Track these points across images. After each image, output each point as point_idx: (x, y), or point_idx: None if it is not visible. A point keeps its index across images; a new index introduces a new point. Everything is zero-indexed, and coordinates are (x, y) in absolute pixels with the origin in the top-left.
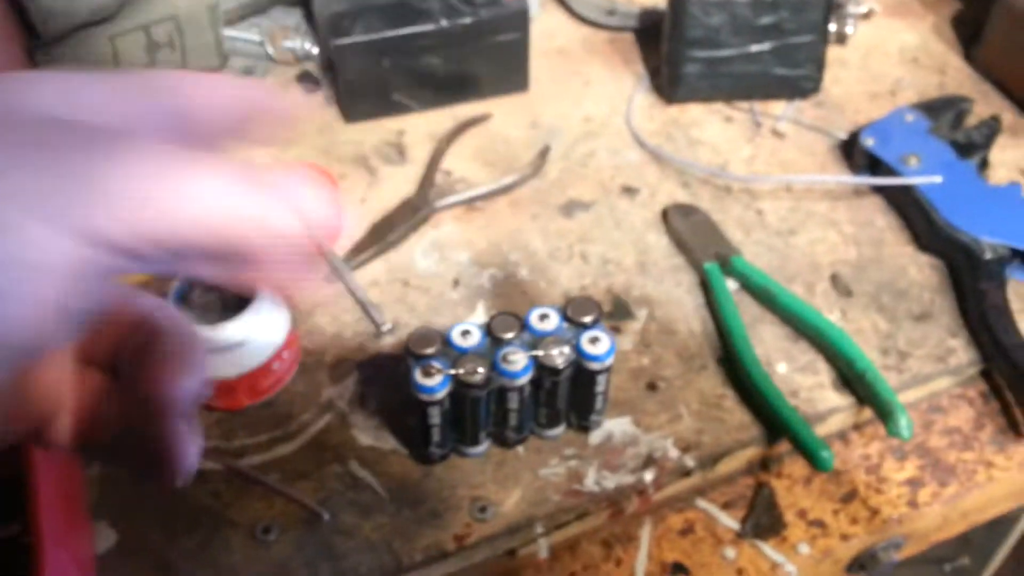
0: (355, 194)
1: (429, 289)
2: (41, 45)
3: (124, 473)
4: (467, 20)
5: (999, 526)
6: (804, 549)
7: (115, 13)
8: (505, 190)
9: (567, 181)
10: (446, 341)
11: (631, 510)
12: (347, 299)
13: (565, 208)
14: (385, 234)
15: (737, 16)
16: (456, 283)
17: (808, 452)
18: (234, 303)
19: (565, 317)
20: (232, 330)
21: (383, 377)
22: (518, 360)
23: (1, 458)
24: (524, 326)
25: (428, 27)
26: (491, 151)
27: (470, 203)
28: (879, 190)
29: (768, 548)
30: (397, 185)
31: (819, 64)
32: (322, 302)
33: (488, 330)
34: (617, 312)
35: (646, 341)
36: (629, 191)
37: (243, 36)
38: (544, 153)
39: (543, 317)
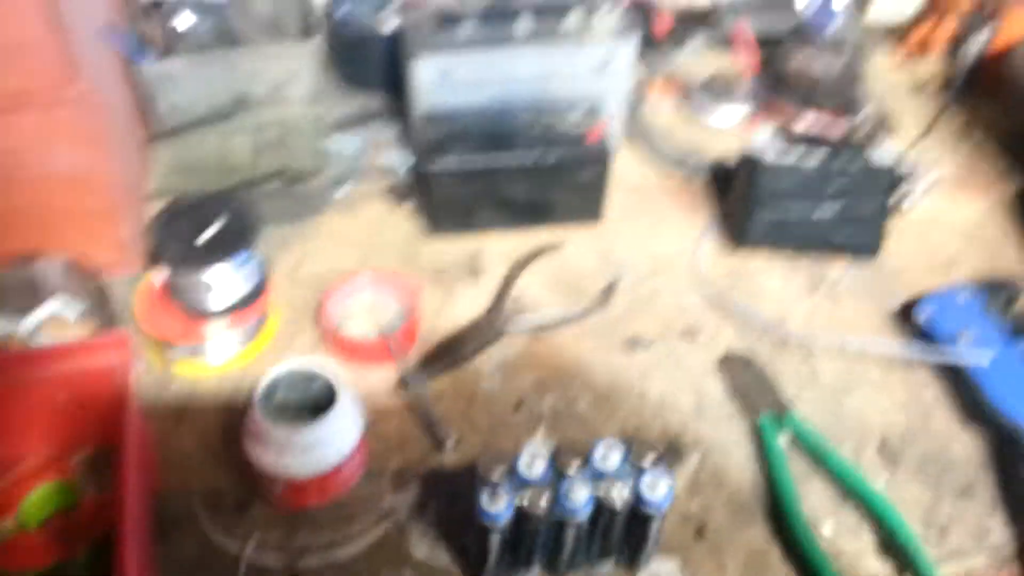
0: (431, 306)
1: (492, 409)
2: (160, 136)
3: (189, 557)
4: (553, 158)
5: None
6: None
7: (230, 114)
8: (572, 320)
9: (631, 317)
10: (513, 468)
11: None
12: (414, 411)
13: (628, 344)
14: (455, 351)
15: (807, 180)
16: (519, 406)
17: None
18: (313, 405)
19: (627, 457)
20: (312, 431)
21: (443, 490)
22: (580, 496)
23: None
24: (587, 460)
25: (516, 160)
26: (561, 279)
27: (538, 330)
28: (929, 363)
29: None
30: (471, 302)
31: (880, 231)
32: (390, 410)
33: (553, 461)
34: (670, 454)
35: (697, 486)
36: (690, 333)
37: (342, 145)
38: (612, 287)
39: (605, 454)
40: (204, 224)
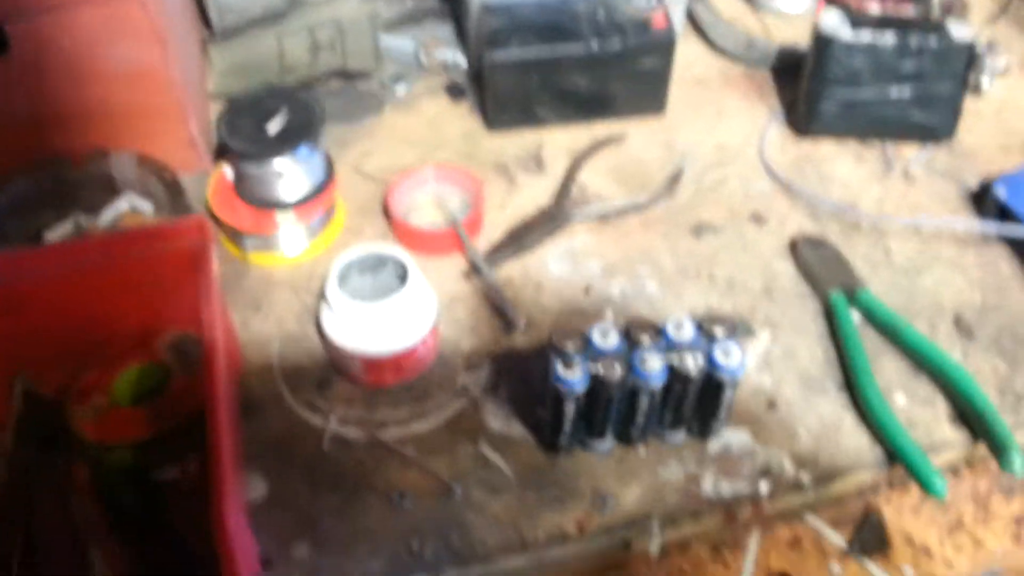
0: (494, 199)
1: (561, 293)
2: (215, 38)
3: (275, 433)
4: (616, 46)
5: None
6: (909, 571)
7: (284, 13)
8: (638, 208)
9: (698, 204)
10: (586, 340)
11: (744, 517)
12: (483, 295)
13: (695, 229)
14: (522, 238)
15: (880, 60)
16: (587, 290)
17: (922, 478)
18: (384, 288)
19: (699, 328)
20: (387, 308)
21: (515, 371)
22: (654, 364)
23: (170, 407)
24: (660, 332)
25: (578, 50)
26: (625, 170)
27: (604, 217)
28: (1007, 240)
29: (874, 566)
30: (534, 194)
31: (955, 112)
32: (461, 295)
33: (626, 334)
34: (741, 331)
35: (768, 361)
36: (758, 219)
37: (398, 44)
38: (677, 176)
39: (679, 326)
40: (269, 118)
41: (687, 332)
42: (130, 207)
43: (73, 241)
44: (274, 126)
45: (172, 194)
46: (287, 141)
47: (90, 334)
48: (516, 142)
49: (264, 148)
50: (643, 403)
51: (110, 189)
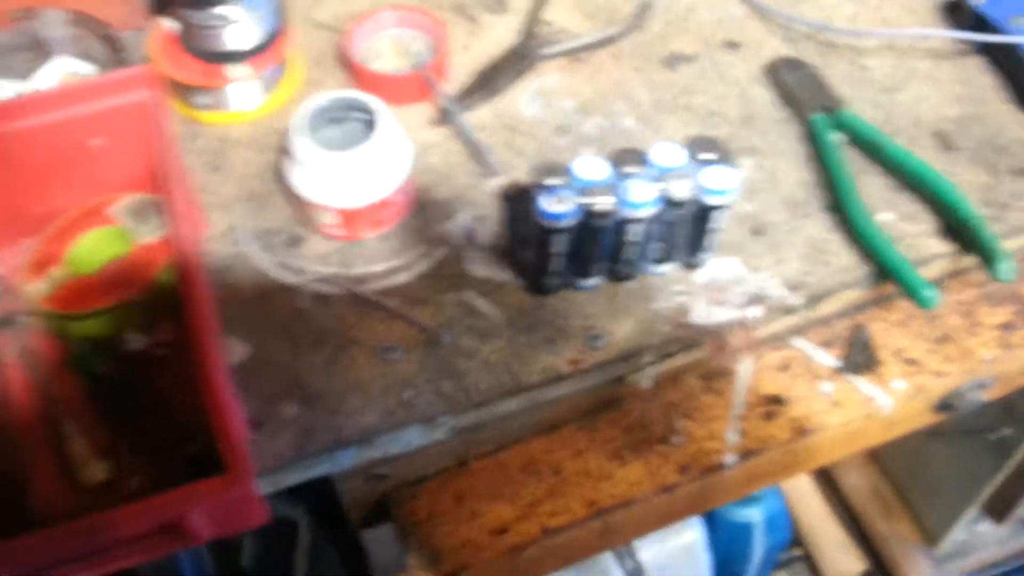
0: (457, 41)
1: (535, 135)
2: None
3: (249, 295)
4: None
5: None
6: (898, 385)
7: None
8: (608, 42)
9: (669, 35)
10: (570, 173)
11: (735, 344)
12: (455, 141)
13: (668, 61)
14: (491, 81)
15: None
16: (562, 130)
17: (911, 291)
18: (353, 138)
19: (688, 154)
20: (359, 156)
21: (493, 216)
22: (644, 192)
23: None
24: (646, 162)
25: None
26: (591, 3)
27: (573, 54)
28: (983, 50)
29: (864, 383)
30: (498, 34)
31: None
32: (432, 143)
33: (613, 163)
34: (723, 160)
35: (752, 189)
36: (732, 45)
37: None
38: (645, 6)
39: (667, 153)
40: None
41: (676, 158)
42: (67, 70)
43: (6, 101)
44: None
45: (112, 54)
46: None
47: (36, 203)
48: None
49: None
50: (634, 233)
51: (41, 52)
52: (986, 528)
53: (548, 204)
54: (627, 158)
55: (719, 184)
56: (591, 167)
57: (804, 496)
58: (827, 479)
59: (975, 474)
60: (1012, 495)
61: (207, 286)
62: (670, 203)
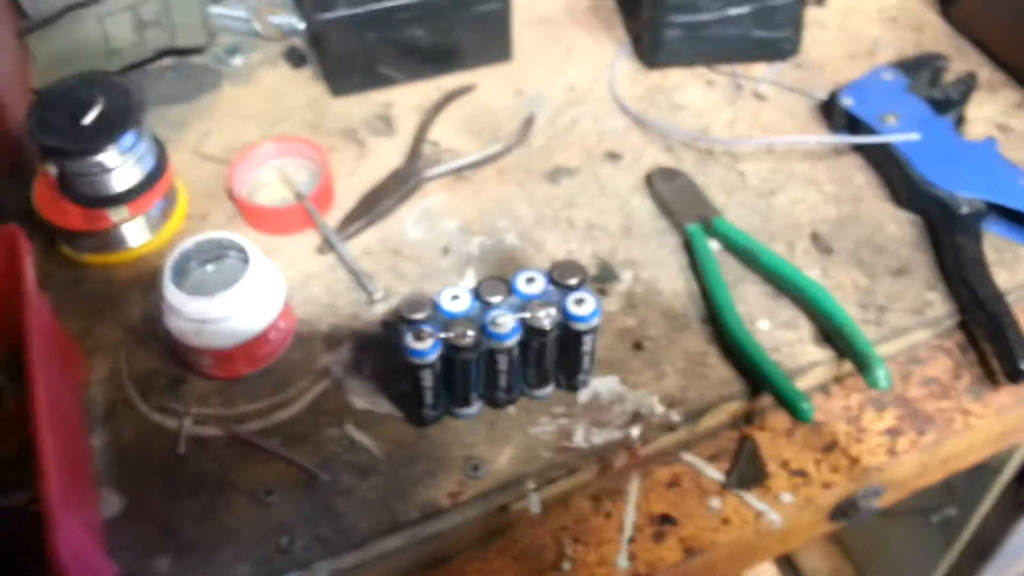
0: (344, 167)
1: (420, 257)
2: (32, 27)
3: (128, 441)
4: None
5: (983, 476)
6: (787, 498)
7: None
8: (492, 159)
9: (552, 148)
10: (436, 307)
11: (619, 465)
12: (340, 269)
13: (551, 175)
14: (375, 205)
15: None
16: (446, 251)
17: (789, 404)
18: (230, 275)
19: (551, 280)
20: (228, 301)
21: (377, 344)
22: (506, 323)
23: (7, 429)
24: (511, 290)
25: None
26: (477, 121)
27: (458, 172)
28: (858, 149)
29: (752, 498)
30: (386, 157)
31: (797, 26)
32: (315, 272)
33: (476, 295)
34: (603, 275)
35: (632, 303)
36: (613, 157)
37: (230, 13)
38: (529, 122)
39: (530, 280)
40: (84, 108)
41: (537, 285)
42: None
43: None
44: (90, 117)
45: None
46: (107, 131)
47: None
48: (363, 105)
49: (82, 142)
50: (502, 363)
51: None
52: None
53: (413, 341)
54: (493, 287)
55: (583, 310)
56: (456, 299)
57: None
58: (788, 562)
59: (928, 553)
60: (965, 574)
61: (69, 441)
62: (535, 332)
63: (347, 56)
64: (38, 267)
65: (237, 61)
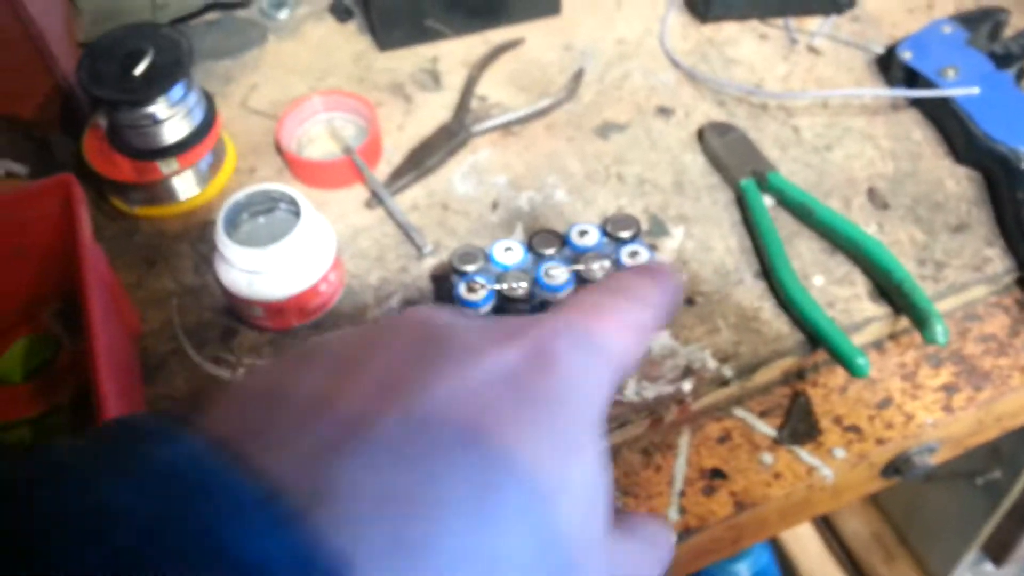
0: (392, 121)
1: (468, 212)
2: None
3: (182, 392)
4: None
5: None
6: (840, 454)
7: None
8: (540, 114)
9: (602, 103)
10: (488, 258)
11: (670, 419)
12: (388, 224)
13: (600, 130)
14: (423, 160)
15: None
16: (495, 206)
17: (844, 360)
18: (281, 227)
19: (605, 233)
20: (279, 252)
21: (426, 298)
22: (560, 274)
23: (62, 378)
24: (565, 242)
25: None
26: (525, 76)
27: (506, 128)
28: (916, 104)
29: (805, 453)
30: (433, 111)
31: None
32: (364, 226)
33: (530, 247)
34: (654, 231)
35: (683, 258)
36: (664, 112)
37: None
38: (578, 76)
39: (583, 233)
40: (134, 61)
41: (591, 238)
42: (3, 172)
43: None
44: (141, 68)
45: (44, 155)
46: (157, 83)
47: None
48: (410, 60)
49: (133, 93)
50: None
51: None
52: (990, 570)
53: (466, 292)
54: (548, 238)
55: (637, 262)
56: (509, 251)
57: (804, 543)
58: (827, 525)
59: (971, 517)
60: (1008, 537)
61: (127, 390)
62: (588, 284)
63: (393, 10)
64: (91, 219)
65: (283, 15)
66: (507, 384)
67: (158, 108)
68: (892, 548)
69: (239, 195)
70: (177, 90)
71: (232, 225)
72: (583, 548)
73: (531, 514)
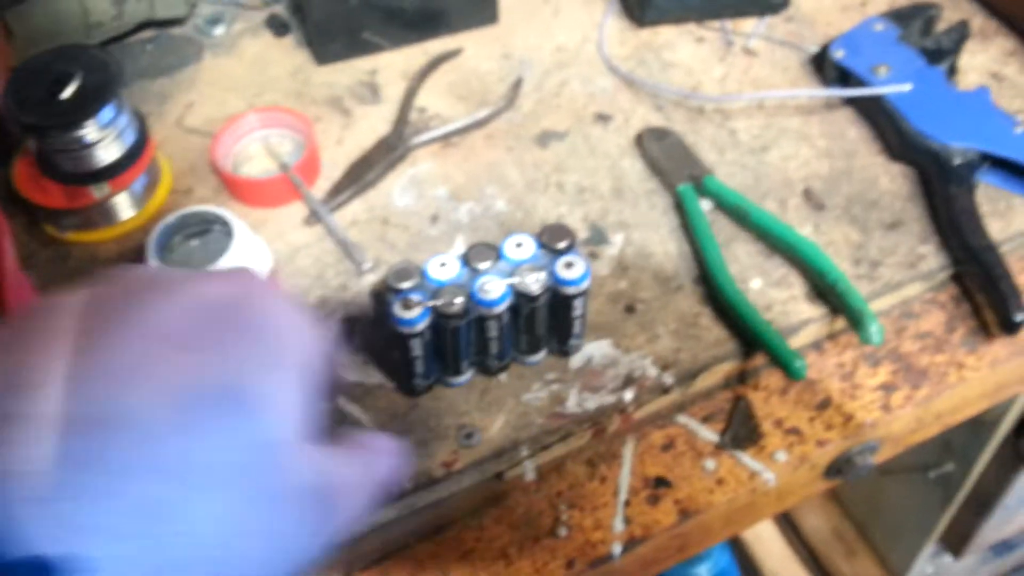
0: (331, 136)
1: (408, 226)
2: (10, 4)
3: None
4: None
5: (981, 431)
6: (781, 457)
7: None
8: (480, 124)
9: (541, 112)
10: (424, 275)
11: (613, 429)
12: (328, 241)
13: (540, 139)
14: (362, 174)
15: None
16: (435, 219)
17: (782, 362)
18: (215, 250)
19: (540, 244)
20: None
21: (366, 314)
22: (495, 289)
23: None
24: (500, 256)
25: None
26: (464, 86)
27: (445, 139)
28: (850, 102)
29: (747, 457)
30: (372, 125)
31: None
32: (303, 244)
33: (465, 261)
34: (594, 238)
35: (623, 265)
36: (603, 118)
37: None
38: (517, 85)
39: (518, 245)
40: (61, 83)
41: (526, 250)
42: None
43: None
44: (68, 91)
45: None
46: (86, 105)
47: None
48: (348, 73)
49: (61, 117)
50: (492, 330)
51: None
52: (949, 562)
53: (401, 310)
54: (482, 253)
55: (573, 273)
56: (444, 267)
57: (766, 541)
58: (788, 523)
59: (928, 510)
60: (965, 529)
61: None
62: (524, 297)
63: (330, 23)
64: (21, 247)
65: (218, 31)
66: (212, 311)
67: (87, 131)
68: (853, 543)
69: (170, 218)
70: (106, 112)
71: (165, 249)
72: (284, 452)
73: (233, 420)
